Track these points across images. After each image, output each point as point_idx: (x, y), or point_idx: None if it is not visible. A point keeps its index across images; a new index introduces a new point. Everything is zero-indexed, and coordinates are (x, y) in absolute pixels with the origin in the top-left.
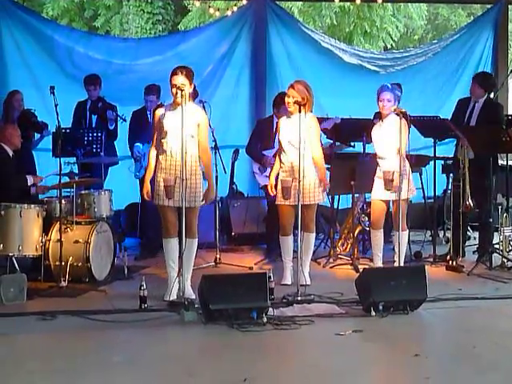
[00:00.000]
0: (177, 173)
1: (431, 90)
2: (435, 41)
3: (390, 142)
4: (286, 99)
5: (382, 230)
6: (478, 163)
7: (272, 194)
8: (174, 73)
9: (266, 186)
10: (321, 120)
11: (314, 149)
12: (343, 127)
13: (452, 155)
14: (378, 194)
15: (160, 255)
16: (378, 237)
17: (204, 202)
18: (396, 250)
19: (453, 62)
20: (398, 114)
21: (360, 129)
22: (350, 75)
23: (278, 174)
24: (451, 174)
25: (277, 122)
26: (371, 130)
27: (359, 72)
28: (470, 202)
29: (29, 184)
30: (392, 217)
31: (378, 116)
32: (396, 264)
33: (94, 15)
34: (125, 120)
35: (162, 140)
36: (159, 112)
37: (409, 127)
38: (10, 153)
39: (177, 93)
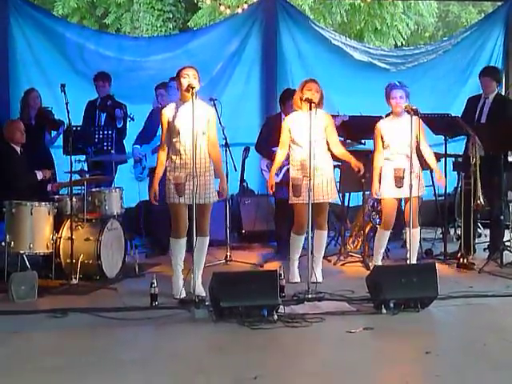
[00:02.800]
0: (186, 170)
1: (441, 87)
2: (445, 38)
3: (404, 139)
4: (308, 92)
5: (390, 230)
6: (489, 160)
7: (271, 192)
8: (184, 67)
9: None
10: None
11: (335, 146)
12: (353, 125)
13: (462, 153)
14: (390, 192)
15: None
16: (386, 236)
17: (220, 196)
18: (408, 247)
19: (463, 59)
20: (408, 112)
21: (370, 126)
22: (361, 73)
23: (287, 171)
24: (460, 172)
25: (284, 119)
26: (375, 125)
27: (369, 70)
28: (481, 199)
29: (39, 179)
30: (404, 214)
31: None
32: (408, 262)
33: (104, 13)
34: (133, 119)
35: (175, 139)
36: (168, 111)
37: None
38: (18, 150)
39: (188, 90)
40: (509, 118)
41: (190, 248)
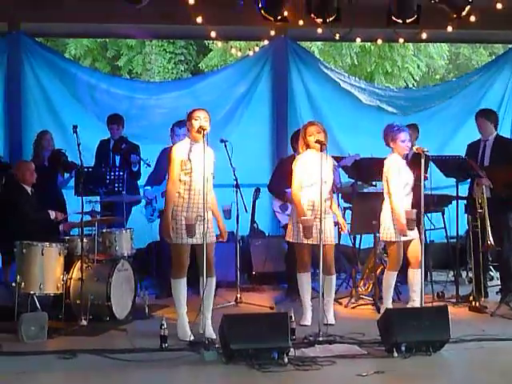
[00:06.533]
0: (198, 210)
1: (447, 129)
2: (454, 79)
3: (410, 181)
4: (309, 138)
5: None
6: (496, 202)
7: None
8: (195, 109)
9: (287, 225)
10: (340, 158)
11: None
12: (364, 166)
13: (466, 195)
14: (400, 234)
15: None
16: (395, 277)
17: (222, 237)
18: (416, 289)
19: (472, 102)
20: (418, 154)
21: (381, 168)
22: (368, 116)
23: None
24: (466, 215)
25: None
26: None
27: (377, 113)
28: (491, 241)
29: (51, 217)
30: (407, 256)
31: None
32: (415, 304)
33: (116, 55)
34: (149, 165)
35: (187, 179)
36: (181, 151)
37: (426, 166)
38: (29, 190)
39: (199, 131)
40: (510, 158)
41: (198, 290)
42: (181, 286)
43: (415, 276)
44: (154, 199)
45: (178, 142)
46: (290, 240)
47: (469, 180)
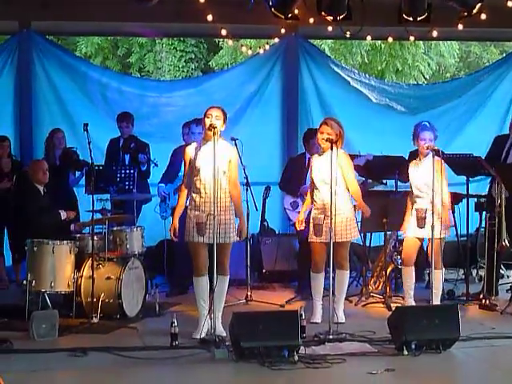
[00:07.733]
0: (210, 209)
1: (455, 128)
2: (464, 76)
3: (426, 180)
4: (319, 135)
5: (412, 267)
6: (510, 202)
7: (298, 229)
8: (210, 107)
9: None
10: (353, 157)
11: (350, 184)
12: (375, 164)
13: (485, 193)
14: (412, 231)
15: (191, 292)
16: (408, 273)
17: (239, 237)
18: (434, 289)
19: (479, 100)
20: (436, 153)
21: (392, 166)
22: (378, 114)
23: (310, 211)
24: (484, 212)
25: (309, 158)
26: (407, 169)
27: (386, 112)
28: (506, 241)
29: (62, 218)
30: (427, 255)
31: (415, 155)
32: (431, 303)
33: (127, 53)
34: (156, 165)
35: (195, 178)
36: (190, 150)
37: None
38: (41, 189)
39: (210, 129)
40: None
41: (210, 287)
42: (198, 284)
43: (434, 276)
44: (167, 196)
45: (192, 143)
46: (309, 240)
47: (478, 178)
